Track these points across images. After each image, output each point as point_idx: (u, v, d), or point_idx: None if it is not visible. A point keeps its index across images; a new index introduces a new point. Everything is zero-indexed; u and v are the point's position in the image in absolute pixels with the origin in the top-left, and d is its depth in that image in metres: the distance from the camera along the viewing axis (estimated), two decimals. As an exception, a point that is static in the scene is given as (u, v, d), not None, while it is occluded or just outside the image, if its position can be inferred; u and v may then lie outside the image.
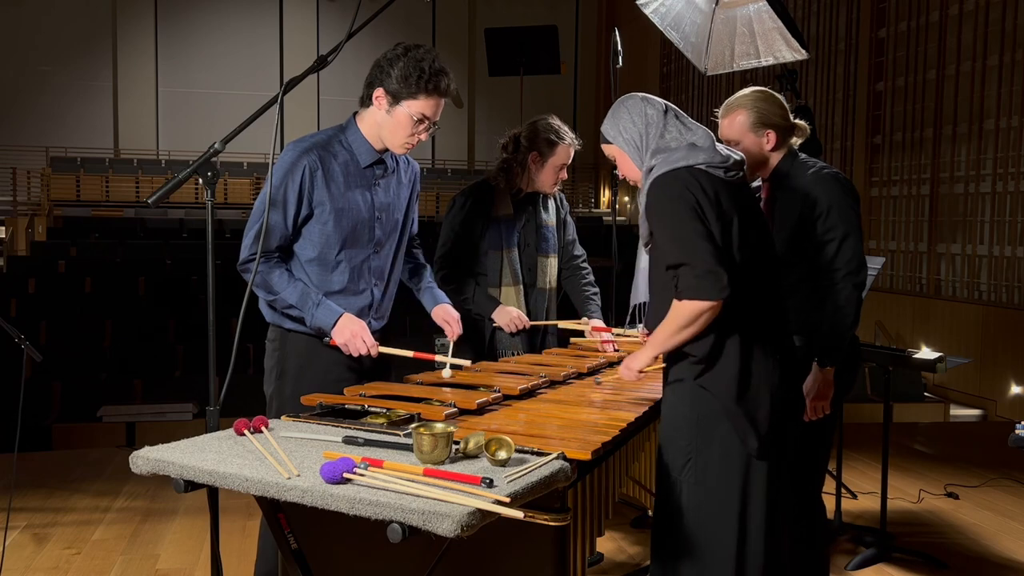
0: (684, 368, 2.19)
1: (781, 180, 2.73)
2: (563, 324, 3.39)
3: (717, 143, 2.24)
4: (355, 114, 2.62)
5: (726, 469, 2.15)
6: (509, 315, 3.22)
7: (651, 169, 2.21)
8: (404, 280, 2.91)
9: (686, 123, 2.25)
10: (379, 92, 2.50)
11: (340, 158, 2.56)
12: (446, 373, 2.59)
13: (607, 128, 2.31)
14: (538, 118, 3.29)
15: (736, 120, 2.71)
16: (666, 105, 2.28)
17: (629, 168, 2.30)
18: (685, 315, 2.10)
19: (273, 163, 2.45)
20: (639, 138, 2.24)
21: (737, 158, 2.24)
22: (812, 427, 2.67)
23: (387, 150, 2.60)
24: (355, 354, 2.52)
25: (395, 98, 2.47)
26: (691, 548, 2.18)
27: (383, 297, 2.71)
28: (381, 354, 2.58)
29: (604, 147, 2.34)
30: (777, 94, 2.75)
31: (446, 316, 2.78)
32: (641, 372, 2.34)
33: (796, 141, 2.78)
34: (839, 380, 2.71)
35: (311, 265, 2.58)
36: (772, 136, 2.69)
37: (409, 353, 2.57)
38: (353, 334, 2.50)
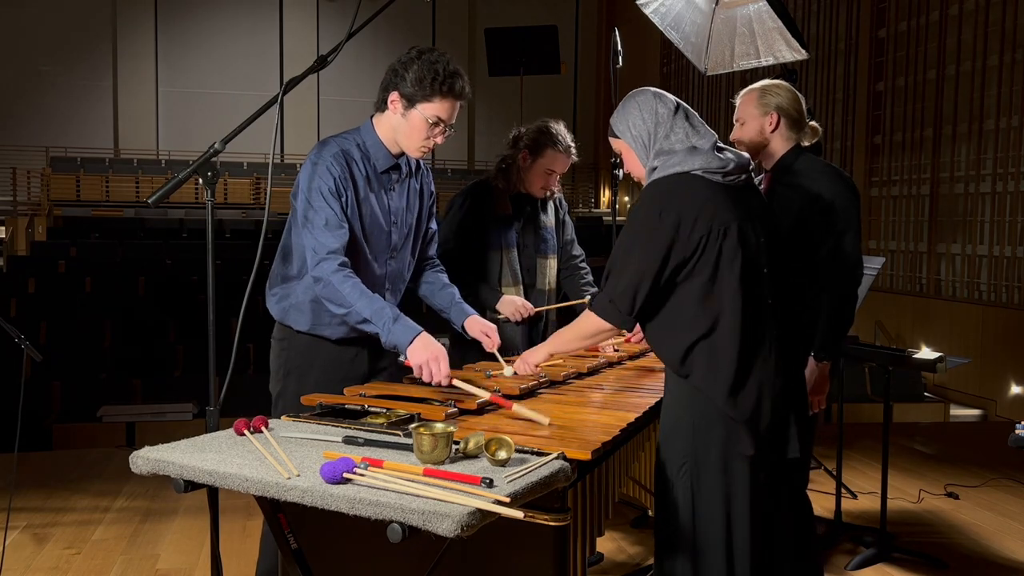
0: (680, 369, 2.18)
1: (783, 174, 2.74)
2: (564, 304, 3.42)
3: (721, 147, 2.19)
4: (371, 117, 2.59)
5: (720, 473, 2.14)
6: (513, 304, 3.22)
7: (653, 170, 2.18)
8: (428, 298, 2.84)
9: (695, 125, 2.19)
10: (394, 96, 2.47)
11: (360, 163, 2.54)
12: (507, 372, 2.58)
13: (616, 121, 2.26)
14: (546, 120, 3.27)
15: (747, 98, 2.77)
16: (678, 103, 2.22)
17: (634, 165, 2.26)
18: (589, 328, 2.25)
19: (273, 163, 2.44)
20: (647, 136, 2.19)
21: (739, 161, 2.17)
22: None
23: (403, 154, 2.59)
24: (426, 379, 2.33)
25: (410, 101, 2.45)
26: (686, 546, 2.18)
27: (396, 302, 2.69)
28: (384, 351, 2.56)
29: (611, 140, 2.29)
30: (798, 92, 2.78)
31: (483, 328, 2.69)
32: (537, 367, 2.53)
33: (805, 142, 2.79)
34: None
35: None
36: (775, 117, 2.71)
37: (486, 395, 2.28)
38: (430, 358, 2.31)
